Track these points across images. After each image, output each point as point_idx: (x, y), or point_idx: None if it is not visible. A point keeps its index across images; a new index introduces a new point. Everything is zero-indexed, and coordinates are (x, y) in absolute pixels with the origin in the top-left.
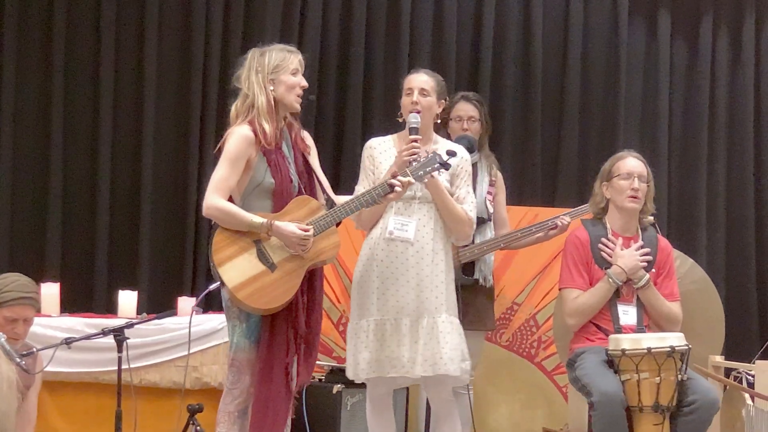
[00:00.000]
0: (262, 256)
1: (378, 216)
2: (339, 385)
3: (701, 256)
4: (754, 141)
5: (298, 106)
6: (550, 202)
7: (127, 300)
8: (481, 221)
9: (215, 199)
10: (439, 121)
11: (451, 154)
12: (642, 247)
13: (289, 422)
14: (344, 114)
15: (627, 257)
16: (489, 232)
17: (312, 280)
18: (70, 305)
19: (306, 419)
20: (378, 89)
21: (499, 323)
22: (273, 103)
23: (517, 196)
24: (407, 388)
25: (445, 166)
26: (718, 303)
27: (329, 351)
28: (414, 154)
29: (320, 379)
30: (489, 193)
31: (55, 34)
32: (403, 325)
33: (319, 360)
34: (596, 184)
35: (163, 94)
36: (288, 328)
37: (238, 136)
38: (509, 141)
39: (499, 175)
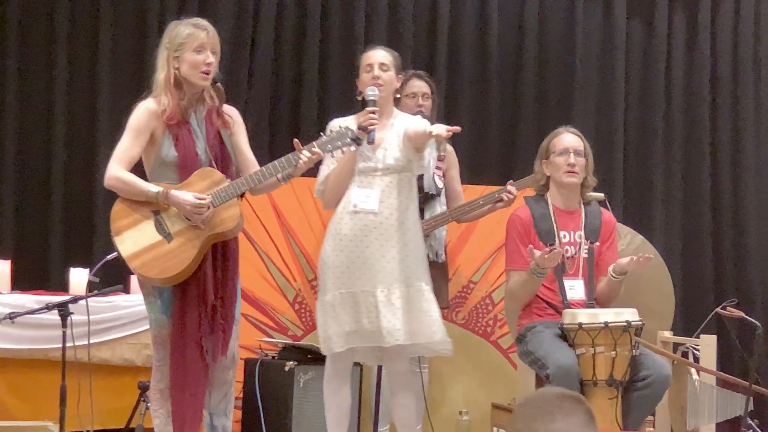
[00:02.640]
0: (160, 226)
1: (341, 192)
2: (291, 363)
3: (657, 234)
4: (709, 120)
5: (203, 83)
6: (506, 180)
7: (79, 278)
8: (430, 196)
9: (115, 170)
10: (398, 96)
11: (363, 129)
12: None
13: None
14: (300, 95)
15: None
16: (438, 207)
17: (225, 253)
18: (24, 283)
19: (258, 396)
20: (334, 70)
21: (455, 301)
22: (174, 79)
23: (474, 174)
24: (360, 366)
25: (357, 141)
26: (668, 279)
27: (284, 329)
28: (372, 125)
29: (273, 357)
30: (438, 168)
31: (8, 17)
32: (375, 296)
33: (273, 338)
34: (536, 162)
35: (118, 71)
36: (198, 302)
37: (141, 109)
38: (466, 119)
39: (450, 149)
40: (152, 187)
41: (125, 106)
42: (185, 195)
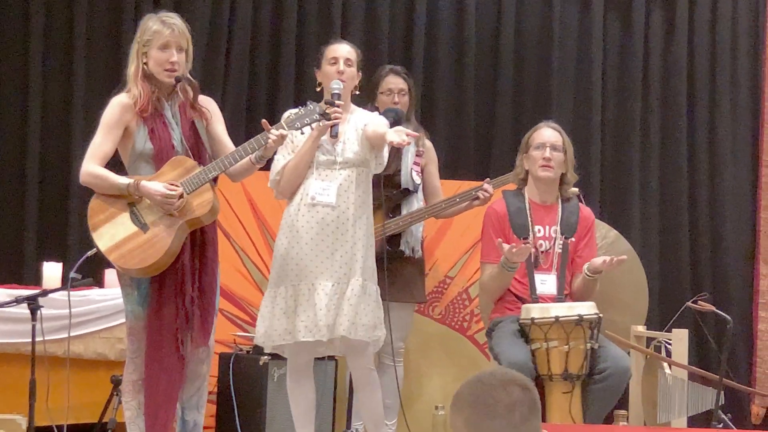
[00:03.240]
0: (135, 218)
1: (297, 183)
2: (266, 357)
3: (635, 229)
4: (687, 114)
5: (168, 80)
6: (484, 175)
7: (52, 272)
8: (408, 192)
9: (89, 166)
10: (357, 92)
11: (330, 103)
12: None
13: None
14: (277, 86)
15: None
16: (415, 203)
17: (203, 242)
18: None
19: (232, 390)
20: (310, 61)
21: (432, 296)
22: (142, 72)
23: (451, 169)
24: (336, 360)
25: (325, 116)
26: (642, 274)
27: None
28: (336, 119)
29: (248, 351)
30: (416, 164)
31: None
32: (320, 290)
33: (248, 332)
34: (518, 156)
35: (93, 63)
36: (176, 293)
37: (113, 104)
38: (443, 115)
39: (429, 145)
40: (123, 180)
41: (100, 100)
42: (155, 185)
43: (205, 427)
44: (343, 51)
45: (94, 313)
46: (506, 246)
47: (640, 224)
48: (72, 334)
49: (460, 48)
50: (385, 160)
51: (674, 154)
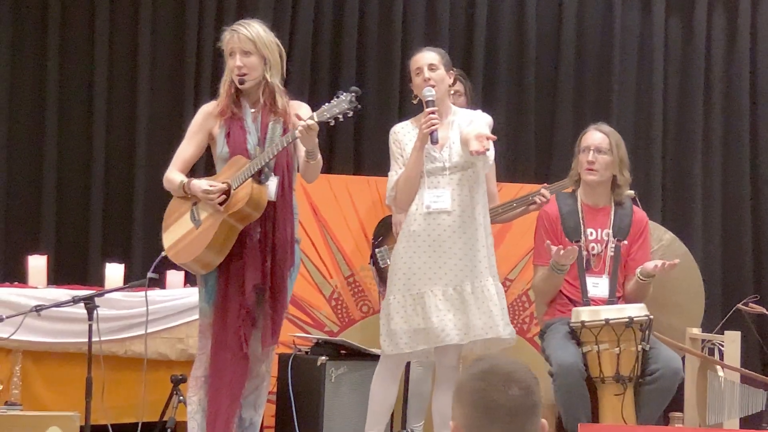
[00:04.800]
0: (193, 216)
1: (413, 195)
2: (323, 357)
3: (696, 233)
4: (750, 118)
5: (240, 86)
6: (544, 179)
7: (114, 273)
8: None
9: (168, 171)
10: (453, 92)
11: (355, 91)
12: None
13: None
14: (338, 89)
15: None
16: None
17: (274, 246)
18: (64, 278)
19: (291, 390)
20: (371, 68)
21: None
22: (230, 80)
23: (511, 173)
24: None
25: (354, 106)
26: (698, 277)
27: (321, 325)
28: (434, 125)
29: (306, 352)
30: None
31: (50, 14)
32: (445, 294)
33: (309, 333)
34: (574, 159)
35: (158, 69)
36: (238, 292)
37: (198, 112)
38: (503, 118)
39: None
40: (182, 180)
41: (163, 104)
42: (200, 182)
43: (265, 427)
44: (424, 59)
45: (154, 313)
46: (554, 248)
47: (702, 228)
48: (134, 334)
49: (521, 51)
50: (491, 159)
51: (736, 158)
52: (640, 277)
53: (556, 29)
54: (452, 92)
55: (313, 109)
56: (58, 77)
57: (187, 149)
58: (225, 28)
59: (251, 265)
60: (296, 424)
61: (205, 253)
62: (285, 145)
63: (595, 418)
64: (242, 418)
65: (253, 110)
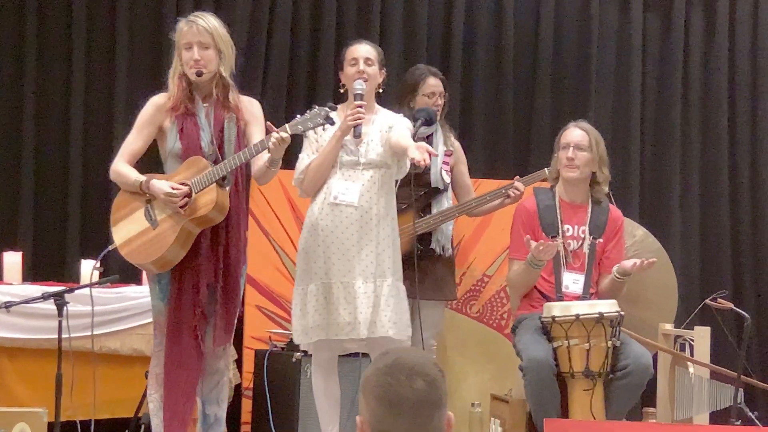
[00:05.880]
0: (148, 214)
1: (321, 182)
2: (299, 354)
3: (675, 231)
4: (728, 114)
5: (195, 78)
6: (522, 175)
7: (89, 269)
8: (438, 191)
9: (116, 163)
10: (380, 90)
11: (333, 108)
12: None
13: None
14: (315, 86)
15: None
16: (445, 202)
17: (227, 244)
18: (41, 275)
19: (266, 386)
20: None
21: (470, 295)
22: (180, 73)
23: (489, 169)
24: (369, 358)
25: (329, 121)
26: (671, 273)
27: None
28: (359, 119)
29: (282, 348)
30: (445, 163)
31: (27, 13)
32: (348, 289)
33: (287, 329)
34: (553, 156)
35: (135, 64)
36: (192, 290)
37: (148, 103)
38: (481, 115)
39: (457, 144)
40: (138, 177)
41: (142, 99)
42: (162, 184)
43: (242, 422)
44: (362, 51)
45: (129, 309)
46: (533, 243)
47: (680, 225)
48: (108, 330)
49: (499, 48)
50: (407, 167)
51: (715, 154)
52: (617, 275)
53: (533, 25)
54: (439, 93)
55: (288, 113)
56: (35, 73)
57: (136, 141)
58: (179, 19)
59: (205, 263)
60: (272, 419)
61: (164, 255)
62: (255, 154)
63: (564, 413)
64: (206, 414)
65: (205, 105)
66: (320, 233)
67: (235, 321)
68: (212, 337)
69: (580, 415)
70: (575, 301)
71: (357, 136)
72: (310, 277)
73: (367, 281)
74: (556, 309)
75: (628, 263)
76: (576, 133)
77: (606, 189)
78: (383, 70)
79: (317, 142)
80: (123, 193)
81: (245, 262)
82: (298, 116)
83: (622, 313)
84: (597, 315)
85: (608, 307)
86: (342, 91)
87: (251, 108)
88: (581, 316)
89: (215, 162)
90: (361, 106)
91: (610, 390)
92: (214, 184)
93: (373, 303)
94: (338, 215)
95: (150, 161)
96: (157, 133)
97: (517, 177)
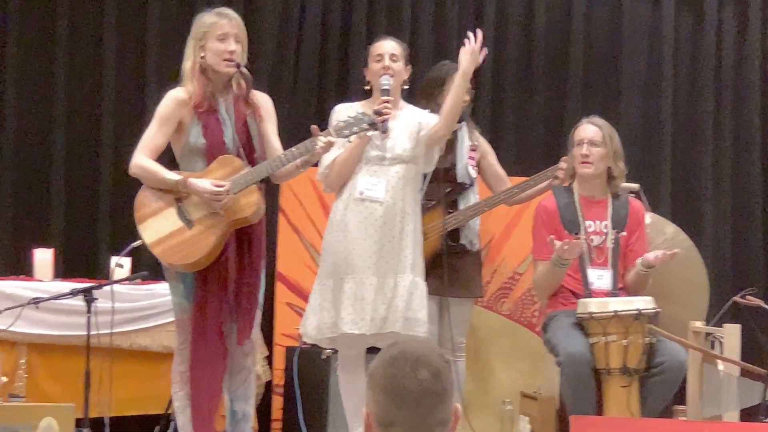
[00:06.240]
0: (181, 214)
1: (346, 178)
2: (328, 351)
3: (707, 228)
4: (760, 111)
5: (227, 70)
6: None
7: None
8: (464, 187)
9: (139, 158)
10: (406, 87)
11: (378, 113)
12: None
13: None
14: (346, 82)
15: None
16: (472, 197)
17: (249, 241)
18: (73, 272)
19: (296, 384)
20: None
21: (501, 292)
22: (199, 67)
23: (519, 166)
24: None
25: (373, 126)
26: (702, 270)
27: None
28: (386, 115)
29: (312, 345)
30: (471, 158)
31: (59, 3)
32: (370, 285)
33: None
34: (568, 153)
35: (165, 63)
36: (220, 287)
37: (168, 98)
38: (511, 111)
39: (482, 139)
40: (172, 176)
41: None
42: (203, 183)
43: (273, 419)
44: (387, 47)
45: (159, 306)
46: (558, 243)
47: (712, 222)
48: (138, 326)
49: (530, 44)
50: (435, 159)
51: (747, 151)
52: (641, 268)
53: (565, 22)
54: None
55: (318, 111)
56: (66, 72)
57: (158, 136)
58: (207, 11)
59: (231, 261)
60: (302, 417)
61: (204, 256)
62: (299, 156)
63: (598, 410)
64: (234, 411)
65: (222, 99)
66: (345, 229)
67: (255, 317)
68: (235, 333)
69: (616, 411)
70: (612, 298)
71: (385, 131)
72: (331, 273)
73: (388, 277)
74: (593, 305)
75: (650, 255)
76: (589, 129)
77: (632, 185)
78: (408, 66)
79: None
80: (146, 189)
81: (264, 257)
82: (341, 121)
83: (659, 309)
84: (635, 311)
85: (645, 303)
86: (368, 87)
87: (266, 104)
88: (619, 313)
89: (237, 157)
90: (388, 102)
91: (645, 387)
92: (255, 185)
93: (395, 299)
94: (363, 211)
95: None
96: (178, 128)
97: (565, 157)
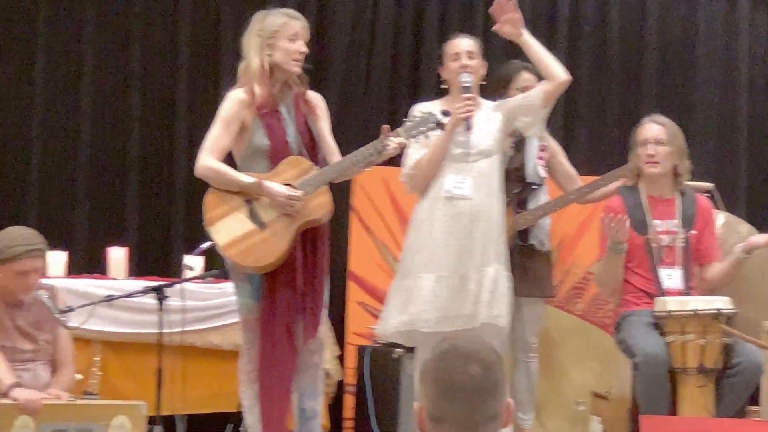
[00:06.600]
0: (253, 216)
1: (433, 176)
2: (400, 350)
3: None
4: None
5: (296, 70)
6: None
7: (194, 264)
8: (534, 186)
9: (207, 160)
10: (483, 83)
11: (446, 113)
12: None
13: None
14: (419, 82)
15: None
16: (542, 197)
17: (314, 240)
18: (148, 270)
19: (368, 383)
20: None
21: (574, 292)
22: (267, 67)
23: (593, 166)
24: None
25: (440, 126)
26: None
27: None
28: (469, 112)
29: (384, 344)
30: (540, 158)
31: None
32: (454, 283)
33: None
34: (631, 153)
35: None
36: (288, 287)
37: (230, 99)
38: (585, 111)
39: (551, 139)
40: (245, 178)
41: None
42: (279, 187)
43: (345, 419)
44: (464, 45)
45: (231, 305)
46: (606, 219)
47: None
48: (210, 325)
49: (604, 44)
50: (543, 119)
51: None
52: (742, 254)
53: (639, 22)
54: (522, 87)
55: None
56: (141, 74)
57: (223, 137)
58: (274, 10)
59: (299, 261)
60: (374, 416)
61: (278, 258)
62: (369, 156)
63: (674, 409)
64: (304, 408)
65: (284, 100)
66: (430, 228)
67: (321, 315)
68: (302, 332)
69: (691, 412)
70: (691, 297)
71: (468, 128)
72: (414, 271)
73: (472, 272)
74: (672, 303)
75: (760, 238)
76: (654, 128)
77: (706, 184)
78: (484, 62)
79: (425, 137)
80: (214, 191)
81: (328, 255)
82: (409, 121)
83: (736, 310)
84: (714, 311)
85: (724, 303)
86: (444, 86)
87: (320, 103)
88: (698, 311)
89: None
90: (471, 98)
91: (721, 388)
92: (326, 186)
93: (475, 293)
94: (450, 209)
95: None
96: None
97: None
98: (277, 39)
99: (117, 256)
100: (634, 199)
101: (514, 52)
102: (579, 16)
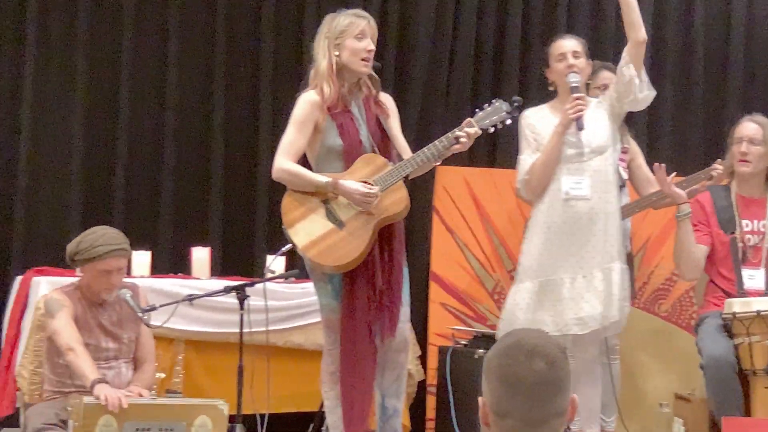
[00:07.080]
0: (331, 215)
1: (548, 179)
2: (481, 350)
3: None
4: None
5: (364, 70)
6: None
7: (275, 265)
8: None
9: (282, 162)
10: (589, 81)
11: (517, 101)
12: None
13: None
14: (500, 85)
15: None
16: (624, 199)
17: (390, 238)
18: (229, 270)
19: (449, 384)
20: (535, 63)
21: (659, 294)
22: (335, 67)
23: (678, 167)
24: None
25: (511, 115)
26: None
27: (483, 319)
28: (580, 111)
29: (465, 344)
30: (622, 160)
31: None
32: (578, 284)
33: (471, 327)
34: (727, 151)
35: (280, 64)
36: (367, 286)
37: (302, 101)
38: (670, 112)
39: (633, 142)
40: (320, 178)
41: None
42: (354, 185)
43: (427, 419)
44: (569, 45)
45: (313, 305)
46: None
47: None
48: (293, 324)
49: (688, 44)
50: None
51: None
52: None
53: (724, 17)
54: (601, 86)
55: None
56: (224, 82)
57: (298, 139)
58: (343, 11)
59: (378, 259)
60: (454, 416)
61: (358, 257)
62: (443, 149)
63: (747, 411)
64: (386, 407)
65: (354, 99)
66: (548, 230)
67: (404, 311)
68: (381, 330)
69: (763, 413)
70: (757, 297)
71: (581, 128)
72: (534, 274)
73: (595, 271)
74: (736, 305)
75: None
76: (750, 127)
77: None
78: (590, 61)
79: (536, 141)
80: (292, 193)
81: (404, 252)
82: (480, 111)
83: None
84: None
85: None
86: (552, 88)
87: (390, 102)
88: (762, 312)
89: None
90: (580, 98)
91: None
92: (401, 181)
93: (603, 292)
94: (568, 211)
95: None
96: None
97: (719, 160)
98: (344, 38)
99: (200, 256)
100: (724, 197)
101: (597, 55)
102: (662, 20)
